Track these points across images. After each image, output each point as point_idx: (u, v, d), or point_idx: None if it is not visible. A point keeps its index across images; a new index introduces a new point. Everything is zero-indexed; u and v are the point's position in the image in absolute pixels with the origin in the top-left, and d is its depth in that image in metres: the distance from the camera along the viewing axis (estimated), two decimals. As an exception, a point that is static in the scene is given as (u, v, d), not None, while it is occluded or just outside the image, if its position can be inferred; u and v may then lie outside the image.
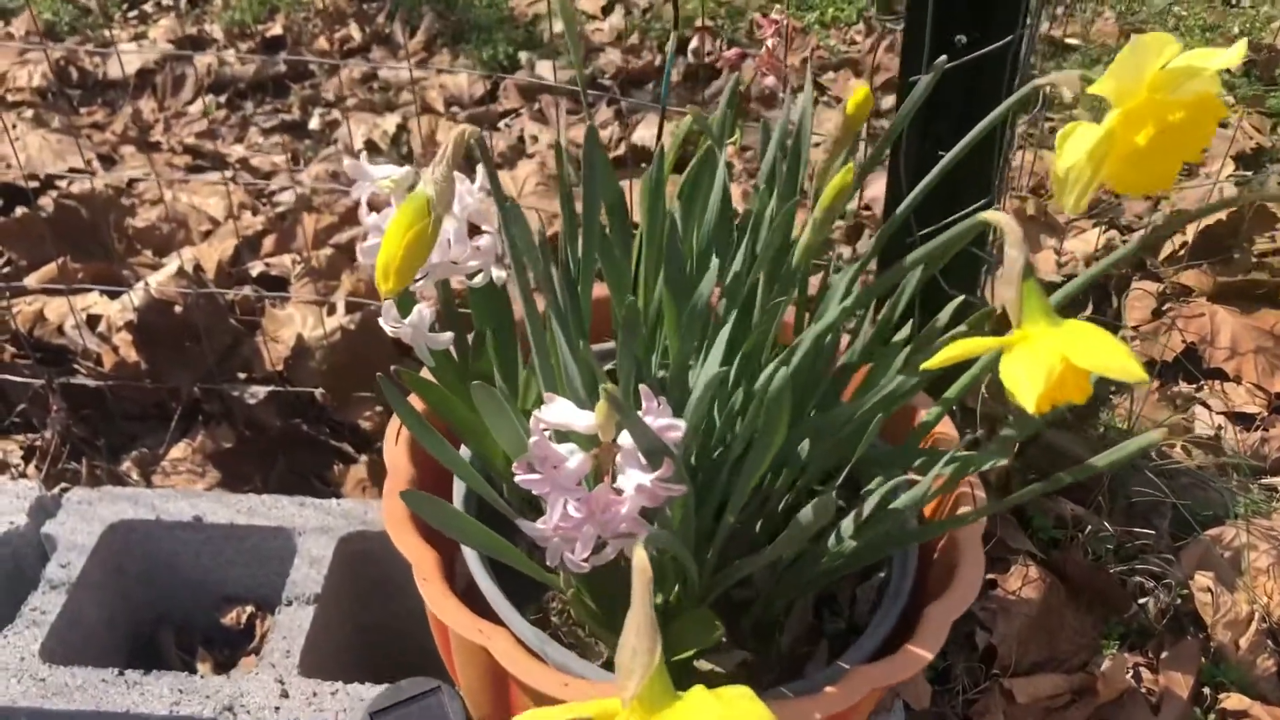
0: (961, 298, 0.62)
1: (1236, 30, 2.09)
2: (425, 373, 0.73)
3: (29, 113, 1.82)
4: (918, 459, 0.65)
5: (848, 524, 0.60)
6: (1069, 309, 0.63)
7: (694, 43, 2.01)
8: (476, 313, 0.73)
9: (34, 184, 1.66)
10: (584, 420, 0.57)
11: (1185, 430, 1.29)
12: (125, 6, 2.17)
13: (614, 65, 2.00)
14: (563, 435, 0.58)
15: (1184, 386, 1.34)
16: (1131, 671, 1.03)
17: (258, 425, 1.22)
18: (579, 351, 0.57)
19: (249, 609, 1.09)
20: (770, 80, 0.74)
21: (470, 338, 0.74)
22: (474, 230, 0.71)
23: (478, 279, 0.70)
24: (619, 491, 0.56)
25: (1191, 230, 1.44)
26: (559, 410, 0.58)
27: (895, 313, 0.66)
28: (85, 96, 1.93)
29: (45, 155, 1.72)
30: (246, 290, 1.31)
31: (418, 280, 0.67)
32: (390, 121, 1.83)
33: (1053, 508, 1.13)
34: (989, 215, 0.48)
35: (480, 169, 0.62)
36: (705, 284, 0.59)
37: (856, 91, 0.53)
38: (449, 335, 0.69)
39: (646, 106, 1.84)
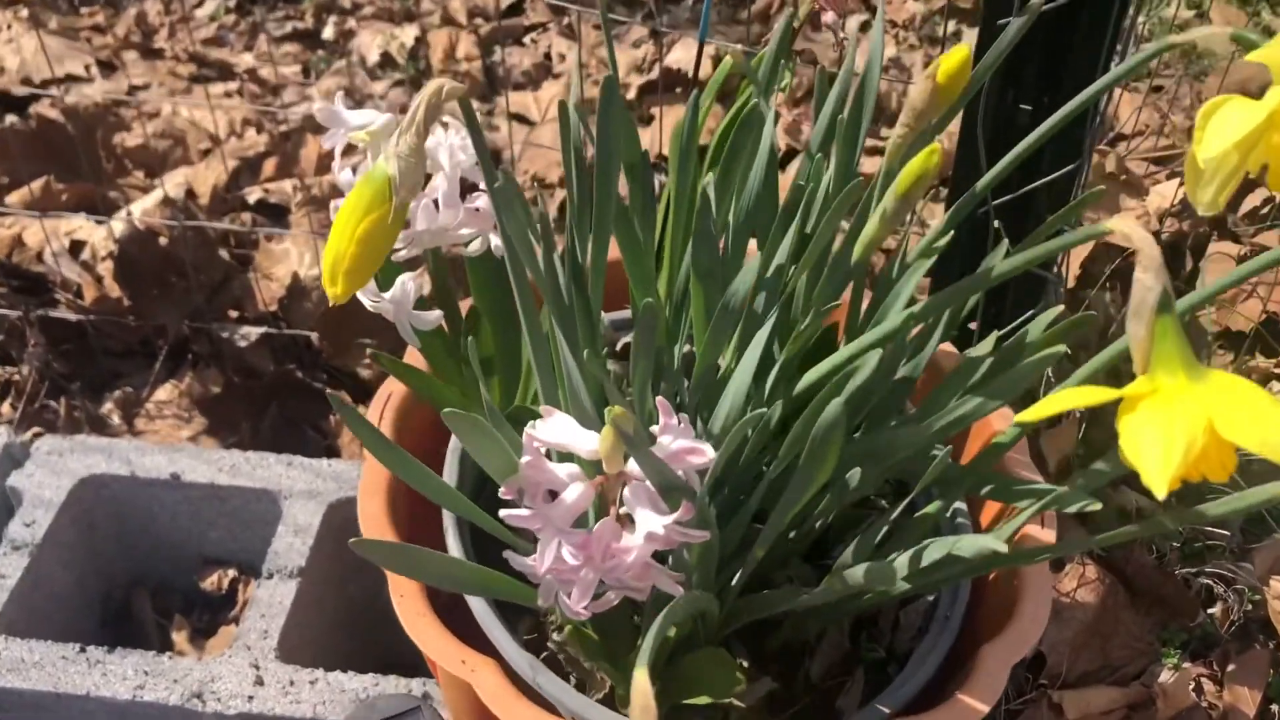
0: (1059, 308, 0.51)
1: (1331, -41, 1.91)
2: (411, 353, 0.63)
3: (24, 11, 1.70)
4: (987, 485, 0.54)
5: (902, 564, 0.50)
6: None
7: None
8: (474, 285, 0.62)
9: (28, 90, 1.56)
10: (587, 443, 0.47)
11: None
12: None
13: (651, -22, 1.85)
14: (564, 453, 0.48)
15: (1261, 361, 1.22)
16: (1194, 684, 0.94)
17: (249, 369, 1.12)
18: (584, 364, 0.47)
19: (231, 573, 1.01)
20: (830, 17, 0.62)
21: (465, 312, 0.63)
22: (470, 188, 0.61)
23: (473, 246, 0.60)
24: (628, 520, 0.46)
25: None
26: (558, 428, 0.48)
27: (960, 314, 0.55)
28: (86, -4, 1.81)
29: (40, 60, 1.61)
30: (240, 222, 1.20)
31: (398, 249, 0.56)
32: (408, 33, 1.70)
33: (1115, 498, 1.02)
34: (1116, 224, 0.37)
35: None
36: (741, 280, 0.48)
37: (952, 53, 0.41)
38: (437, 314, 0.59)
39: (683, 27, 1.71)
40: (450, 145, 0.56)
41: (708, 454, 0.47)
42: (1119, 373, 0.46)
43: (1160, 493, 0.34)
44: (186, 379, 1.12)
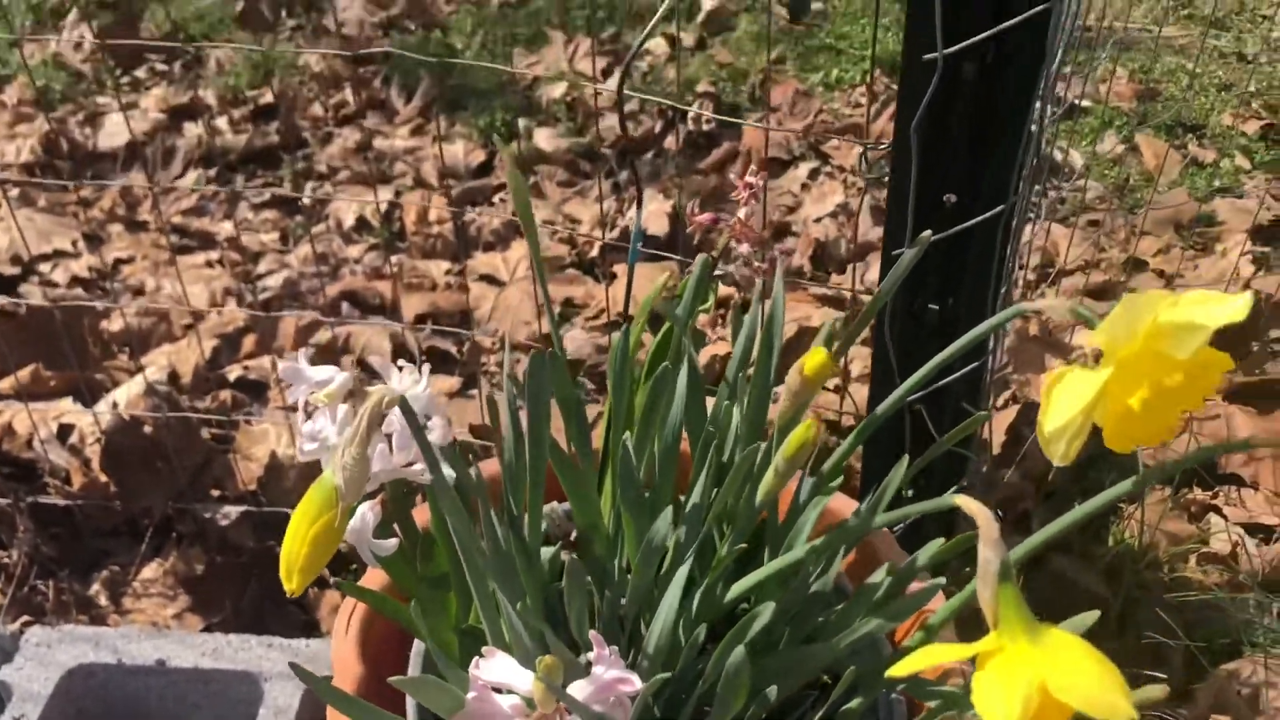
0: (939, 539, 0.57)
1: (1253, 88, 2.03)
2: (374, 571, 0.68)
3: (14, 191, 1.78)
4: (901, 684, 0.60)
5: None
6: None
7: (695, 108, 1.96)
8: (431, 507, 0.68)
9: (15, 270, 1.63)
10: (525, 682, 0.52)
11: (1201, 542, 1.23)
12: (119, 73, 2.14)
13: (613, 132, 1.95)
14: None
15: (1198, 494, 1.28)
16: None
17: (231, 546, 1.17)
18: (522, 615, 0.52)
19: (215, 753, 1.04)
20: (745, 248, 0.69)
21: (422, 534, 0.69)
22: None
23: (427, 475, 0.66)
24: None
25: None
26: (498, 667, 0.53)
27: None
28: (74, 169, 1.89)
29: (31, 235, 1.68)
30: (220, 401, 1.26)
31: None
32: (383, 195, 1.79)
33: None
34: (961, 500, 0.43)
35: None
36: (662, 520, 0.54)
37: (812, 354, 0.48)
38: (393, 542, 0.64)
39: (645, 180, 1.80)
40: (396, 396, 0.62)
41: (636, 684, 0.52)
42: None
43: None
44: (171, 558, 1.17)
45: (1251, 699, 1.05)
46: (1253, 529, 1.25)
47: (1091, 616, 0.54)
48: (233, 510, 1.17)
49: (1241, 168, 1.86)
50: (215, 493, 1.19)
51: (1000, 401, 1.30)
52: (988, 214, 0.69)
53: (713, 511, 0.54)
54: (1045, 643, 0.42)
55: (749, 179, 0.71)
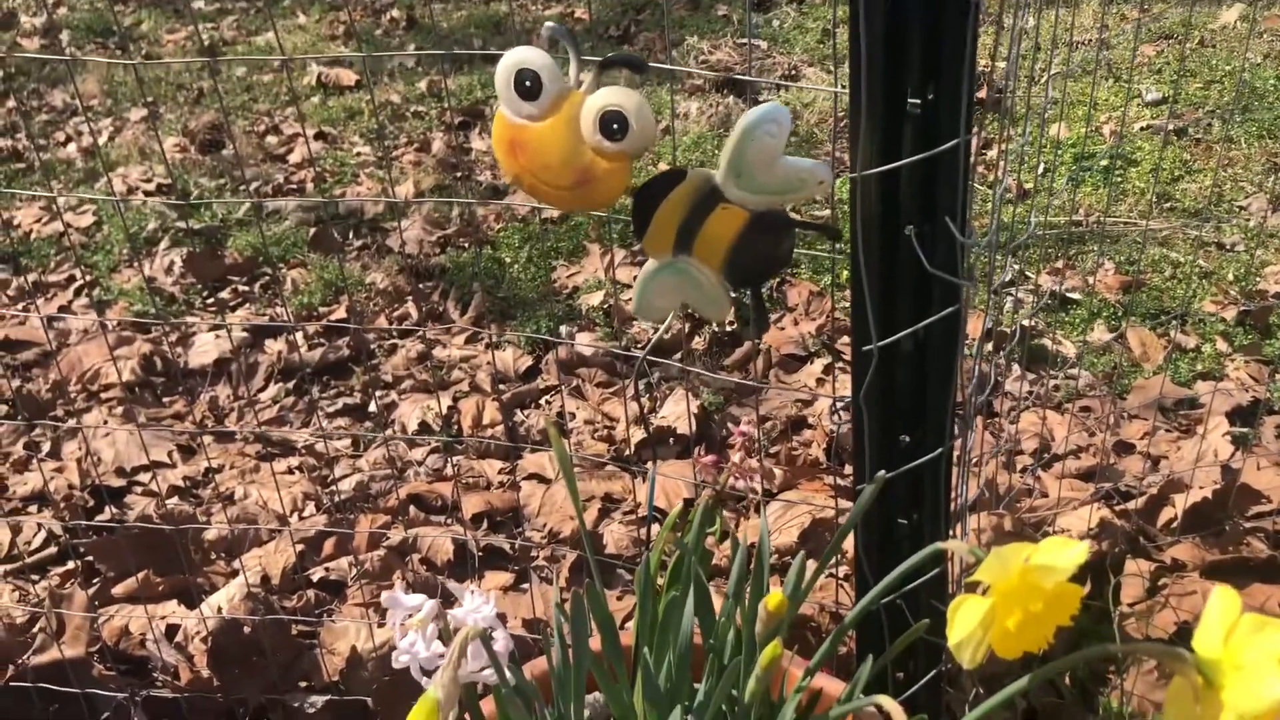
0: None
1: (1231, 276, 2.22)
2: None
3: (119, 409, 2.02)
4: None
5: None
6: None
7: (718, 314, 2.18)
8: (498, 706, 0.85)
9: (120, 482, 1.85)
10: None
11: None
12: (205, 295, 2.40)
13: (645, 334, 2.17)
14: None
15: (1182, 664, 1.41)
16: None
17: (316, 732, 1.33)
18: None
19: None
20: (742, 484, 0.87)
21: (490, 724, 0.86)
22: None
23: (494, 680, 0.83)
24: None
25: (1180, 505, 1.54)
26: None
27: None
28: (168, 386, 2.13)
29: (131, 450, 1.91)
30: (305, 600, 1.45)
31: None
32: (442, 403, 2.00)
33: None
34: (880, 699, 0.60)
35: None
36: (675, 715, 0.71)
37: (772, 596, 0.65)
38: (468, 734, 0.81)
39: (673, 380, 2.00)
40: (474, 615, 0.80)
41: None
42: None
43: None
44: (264, 744, 1.33)
45: None
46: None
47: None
48: (318, 700, 1.33)
49: (1222, 352, 2.03)
50: (303, 684, 1.36)
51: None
52: (931, 454, 0.87)
53: (714, 707, 0.70)
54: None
55: (744, 428, 0.90)
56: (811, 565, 0.83)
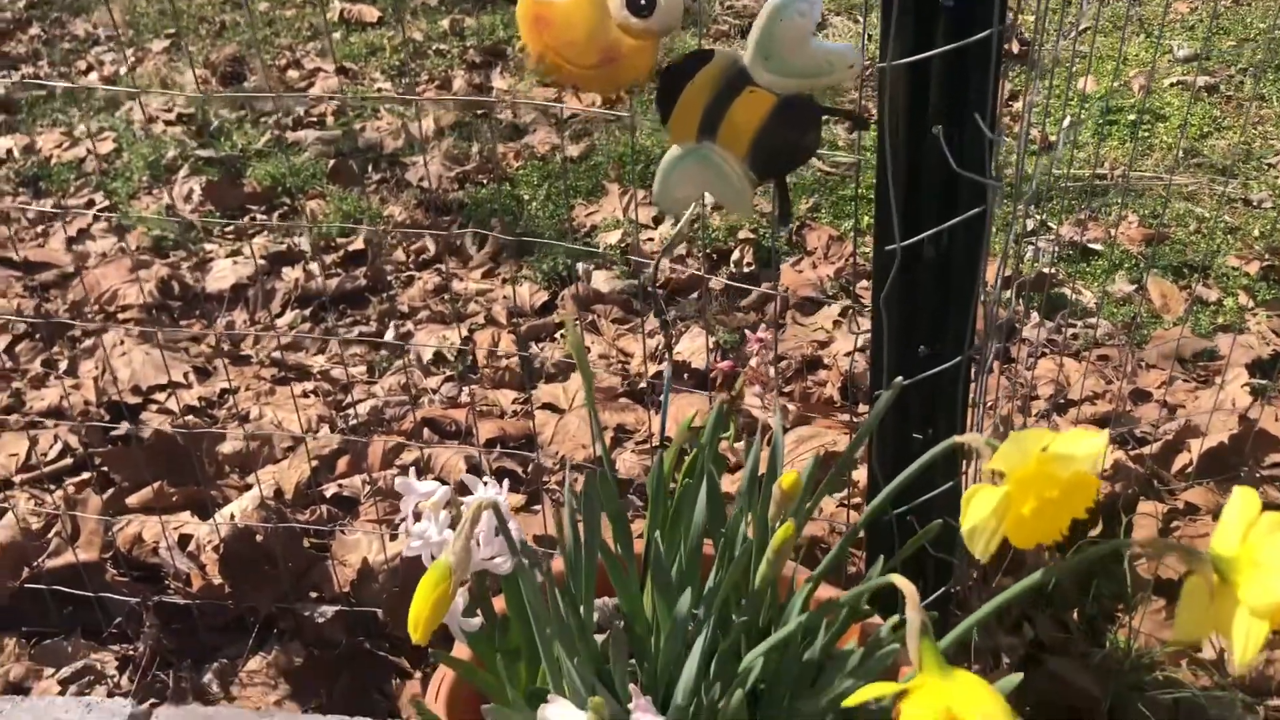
0: (895, 617, 0.73)
1: (1257, 232, 2.19)
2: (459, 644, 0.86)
3: (136, 330, 2.02)
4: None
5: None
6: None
7: (735, 254, 2.17)
8: (506, 593, 0.85)
9: (136, 399, 1.86)
10: (581, 719, 0.69)
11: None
12: (224, 222, 2.40)
13: (663, 274, 2.16)
14: None
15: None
16: None
17: (325, 642, 1.35)
18: (579, 669, 0.69)
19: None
20: (757, 388, 0.87)
21: (499, 617, 0.86)
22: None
23: (505, 567, 0.83)
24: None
25: (1196, 450, 1.53)
26: (560, 710, 0.70)
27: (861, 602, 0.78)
28: (185, 309, 2.14)
29: (147, 370, 1.91)
30: (318, 515, 1.45)
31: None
32: (457, 334, 2.00)
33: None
34: (894, 578, 0.59)
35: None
36: (684, 601, 0.71)
37: (787, 475, 0.65)
38: (478, 620, 0.82)
39: (690, 319, 2.00)
40: (491, 501, 0.80)
41: (664, 724, 0.69)
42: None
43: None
44: (274, 651, 1.34)
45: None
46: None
47: (1016, 678, 0.69)
48: (328, 610, 1.34)
49: (1245, 306, 2.01)
50: (314, 594, 1.37)
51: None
52: (950, 363, 0.87)
53: (722, 592, 0.70)
54: (956, 681, 0.58)
55: (760, 334, 0.89)
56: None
